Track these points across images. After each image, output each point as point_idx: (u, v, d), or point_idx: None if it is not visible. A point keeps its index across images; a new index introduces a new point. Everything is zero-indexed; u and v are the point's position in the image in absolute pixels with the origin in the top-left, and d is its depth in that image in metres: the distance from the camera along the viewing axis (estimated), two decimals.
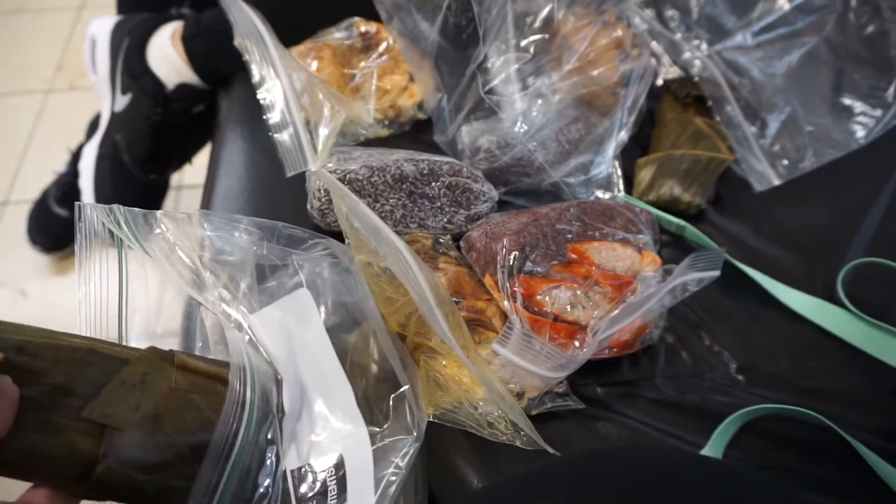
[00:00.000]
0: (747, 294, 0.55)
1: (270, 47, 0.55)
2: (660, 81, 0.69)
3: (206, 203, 0.61)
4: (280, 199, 0.59)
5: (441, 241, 0.54)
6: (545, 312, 0.47)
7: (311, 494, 0.36)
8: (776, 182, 0.60)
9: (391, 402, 0.40)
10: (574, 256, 0.50)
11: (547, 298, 0.47)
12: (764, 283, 0.54)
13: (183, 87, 0.75)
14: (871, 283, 0.54)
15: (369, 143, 0.62)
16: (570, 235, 0.51)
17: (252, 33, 0.55)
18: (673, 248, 0.58)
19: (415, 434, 0.39)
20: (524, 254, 0.49)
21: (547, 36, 0.60)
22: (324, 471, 0.37)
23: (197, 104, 0.78)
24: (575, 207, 0.52)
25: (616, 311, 0.46)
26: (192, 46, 0.74)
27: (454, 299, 0.48)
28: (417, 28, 0.58)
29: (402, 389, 0.41)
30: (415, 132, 0.64)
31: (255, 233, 0.45)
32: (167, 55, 0.75)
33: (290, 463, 0.37)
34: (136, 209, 0.41)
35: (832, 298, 0.53)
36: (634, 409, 0.49)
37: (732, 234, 0.58)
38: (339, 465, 0.37)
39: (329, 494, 0.36)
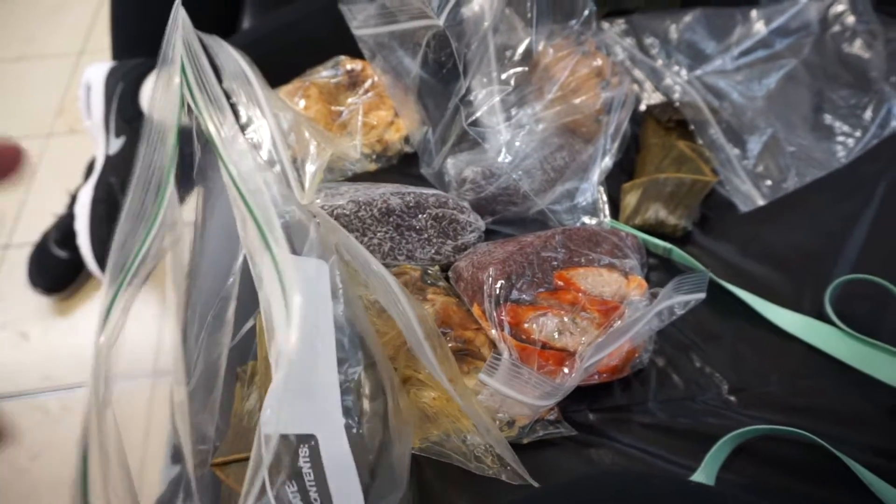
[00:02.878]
0: (737, 314, 0.55)
1: (257, 88, 0.56)
2: (643, 107, 0.70)
3: (198, 242, 0.61)
4: None
5: (429, 272, 0.54)
6: (533, 340, 0.47)
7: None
8: (760, 202, 0.60)
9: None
10: (560, 283, 0.50)
11: (534, 326, 0.47)
12: (753, 302, 0.54)
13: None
14: (859, 299, 0.54)
15: (357, 177, 0.63)
16: (555, 262, 0.51)
17: (238, 75, 0.56)
18: (661, 271, 0.58)
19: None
20: (510, 282, 0.49)
21: (527, 68, 0.62)
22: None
23: (190, 146, 0.79)
24: (560, 234, 0.53)
25: (603, 337, 0.47)
26: None
27: (442, 330, 0.49)
28: (400, 64, 0.59)
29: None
30: (403, 165, 0.65)
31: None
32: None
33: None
34: None
35: (821, 316, 0.54)
36: (627, 434, 0.49)
37: (719, 254, 0.59)
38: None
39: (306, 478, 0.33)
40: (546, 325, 0.47)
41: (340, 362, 0.33)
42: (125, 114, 0.78)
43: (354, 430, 0.32)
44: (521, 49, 0.63)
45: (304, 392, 0.29)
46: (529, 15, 0.63)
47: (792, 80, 0.68)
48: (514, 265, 0.50)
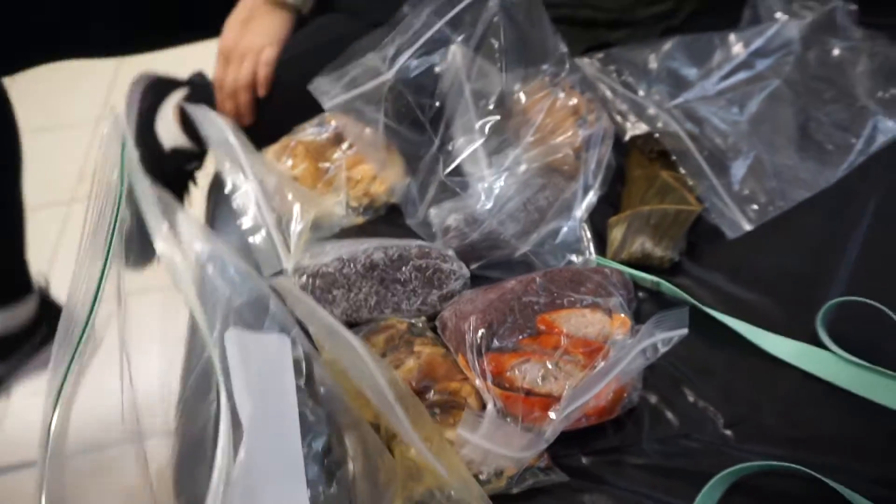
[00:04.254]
0: (729, 344, 0.54)
1: (240, 155, 0.58)
2: (628, 138, 0.70)
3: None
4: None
5: (416, 323, 0.55)
6: (517, 387, 0.47)
7: None
8: (747, 227, 0.60)
9: None
10: (542, 327, 0.50)
11: (517, 373, 0.47)
12: (744, 331, 0.54)
13: (176, 151, 0.80)
14: (853, 322, 0.53)
15: (345, 232, 0.64)
16: (537, 306, 0.51)
17: (222, 143, 0.59)
18: (651, 304, 0.58)
19: None
20: (491, 330, 0.49)
21: (504, 113, 0.63)
22: None
23: (190, 163, 0.83)
24: (541, 278, 0.53)
25: (586, 379, 0.46)
26: (185, 113, 0.77)
27: (426, 384, 0.49)
28: (370, 121, 0.61)
29: None
30: (390, 216, 0.66)
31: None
32: (167, 119, 0.81)
33: None
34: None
35: (815, 341, 0.53)
36: (621, 477, 0.48)
37: (709, 283, 0.58)
38: None
39: None
40: (529, 372, 0.47)
41: (304, 434, 0.33)
42: (140, 127, 0.81)
43: (321, 500, 0.32)
44: (495, 95, 0.64)
45: (262, 478, 0.30)
46: (500, 61, 0.64)
47: (775, 100, 0.68)
48: (495, 313, 0.50)
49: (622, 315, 0.51)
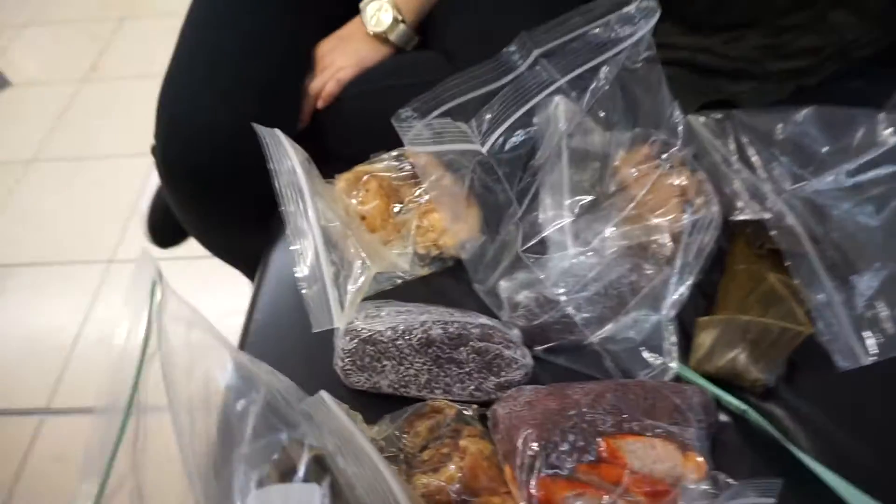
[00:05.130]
0: (821, 499, 0.47)
1: (306, 196, 0.55)
2: (735, 219, 0.62)
3: (244, 332, 0.61)
4: (315, 346, 0.57)
5: (466, 413, 0.50)
6: None
7: None
8: (865, 361, 0.51)
9: None
10: (605, 454, 0.45)
11: None
12: (841, 490, 0.46)
13: None
14: None
15: (407, 284, 0.60)
16: (602, 428, 0.46)
17: (291, 181, 0.55)
18: (734, 432, 0.51)
19: None
20: (546, 450, 0.44)
21: (597, 188, 0.56)
22: None
23: None
24: (612, 393, 0.47)
25: None
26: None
27: (465, 497, 0.45)
28: (451, 182, 0.56)
29: None
30: (458, 272, 0.61)
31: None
32: None
33: None
34: None
35: None
36: None
37: (807, 420, 0.51)
38: None
39: None
40: None
41: None
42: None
43: None
44: (595, 161, 0.57)
45: None
46: (607, 120, 0.57)
47: None
48: (554, 428, 0.45)
49: (697, 455, 0.45)
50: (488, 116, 0.52)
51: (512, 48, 0.57)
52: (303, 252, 0.53)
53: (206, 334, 0.39)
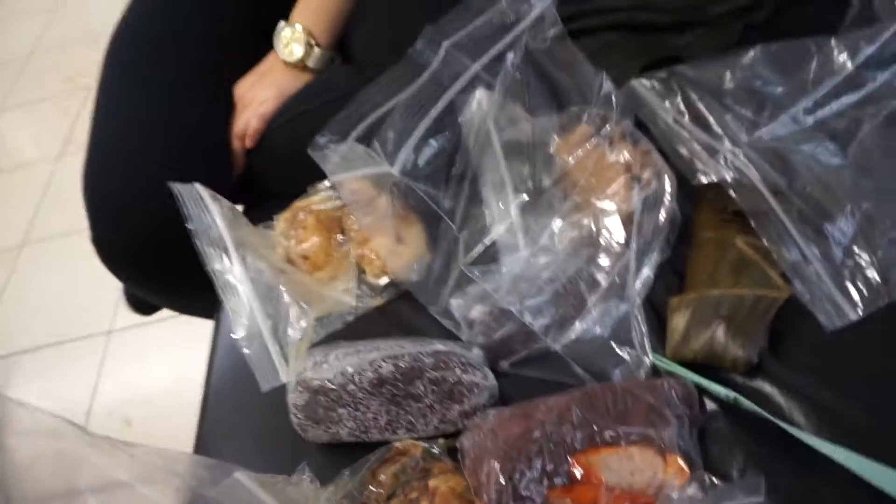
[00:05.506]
0: (827, 475, 0.42)
1: (231, 251, 0.52)
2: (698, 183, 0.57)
3: (204, 399, 0.58)
4: (275, 404, 0.54)
5: (432, 448, 0.47)
6: None
7: None
8: (853, 316, 0.47)
9: None
10: (578, 473, 0.41)
11: None
12: (846, 461, 0.42)
13: None
14: None
15: (361, 319, 0.57)
16: (572, 445, 0.42)
17: (213, 238, 0.52)
18: (723, 421, 0.47)
19: None
20: (513, 482, 0.41)
21: (537, 180, 0.52)
22: None
23: None
24: (578, 405, 0.43)
25: None
26: None
27: None
28: (378, 209, 0.52)
29: None
30: (412, 296, 0.57)
31: None
32: None
33: None
34: None
35: None
36: None
37: (798, 390, 0.46)
38: None
39: None
40: None
41: None
42: None
43: None
44: (531, 150, 0.53)
45: None
46: (528, 105, 0.54)
47: (894, 130, 0.53)
48: (519, 456, 0.41)
49: (678, 458, 0.41)
50: (390, 134, 0.48)
51: (419, 45, 0.54)
52: (236, 310, 0.51)
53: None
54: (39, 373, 1.39)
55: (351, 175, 0.51)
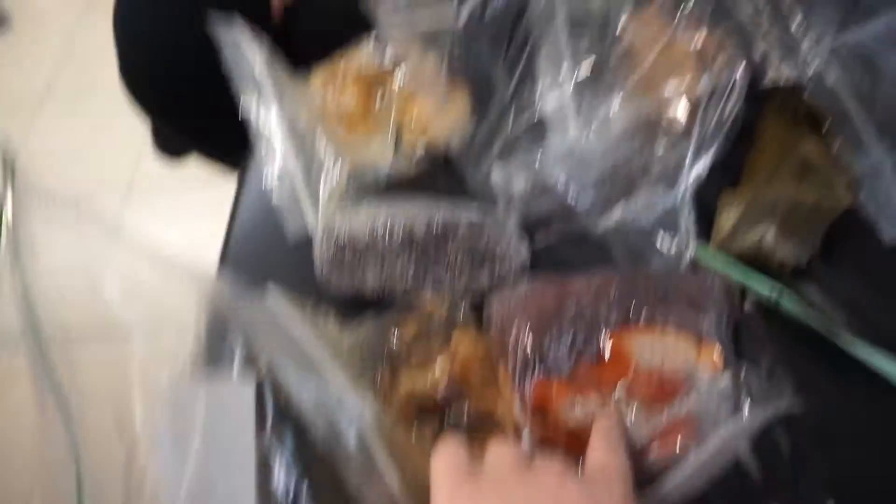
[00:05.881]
0: (862, 383, 0.41)
1: (270, 95, 0.49)
2: (766, 86, 0.53)
3: (224, 249, 0.57)
4: (299, 257, 0.53)
5: (459, 310, 0.46)
6: (563, 427, 0.38)
7: None
8: None
9: None
10: (609, 352, 0.40)
11: (565, 414, 0.38)
12: (884, 367, 0.40)
13: None
14: None
15: (394, 185, 0.54)
16: (607, 323, 0.41)
17: (252, 82, 0.49)
18: (756, 321, 0.45)
19: None
20: (542, 350, 0.39)
21: (600, 56, 0.49)
22: None
23: None
24: (618, 284, 0.42)
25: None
26: None
27: (452, 401, 0.41)
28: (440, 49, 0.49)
29: None
30: (451, 167, 0.55)
31: None
32: None
33: None
34: None
35: None
36: None
37: (844, 298, 0.44)
38: None
39: None
40: (579, 416, 0.38)
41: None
42: None
43: None
44: (595, 23, 0.49)
45: None
46: None
47: None
48: (551, 325, 0.40)
49: (713, 348, 0.39)
50: None
51: None
52: (270, 155, 0.48)
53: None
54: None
55: (408, 28, 0.47)
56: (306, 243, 0.49)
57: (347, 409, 0.31)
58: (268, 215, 0.57)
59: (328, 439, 0.30)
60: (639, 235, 0.48)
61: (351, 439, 0.30)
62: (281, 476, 0.30)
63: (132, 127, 1.43)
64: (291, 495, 0.30)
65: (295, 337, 0.33)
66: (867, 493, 0.39)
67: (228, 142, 0.66)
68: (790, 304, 0.43)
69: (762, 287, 0.44)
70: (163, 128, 0.68)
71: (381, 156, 0.52)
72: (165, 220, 1.33)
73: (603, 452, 0.34)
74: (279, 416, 0.31)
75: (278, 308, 0.35)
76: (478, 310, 0.46)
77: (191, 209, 1.29)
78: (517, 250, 0.46)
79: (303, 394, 0.31)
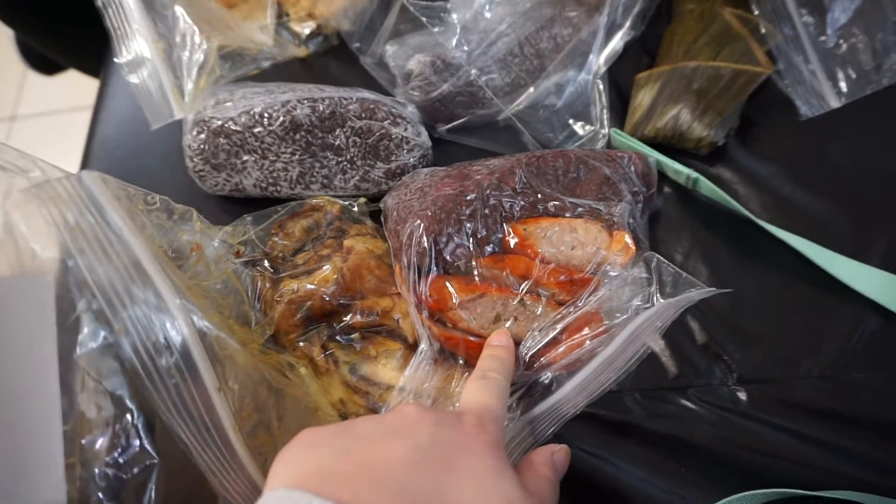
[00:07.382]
0: (769, 266, 0.40)
1: None
2: None
3: (87, 147, 0.50)
4: (163, 151, 0.47)
5: (352, 206, 0.41)
6: (464, 329, 0.35)
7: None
8: (834, 104, 0.42)
9: None
10: (513, 241, 0.36)
11: (465, 314, 0.35)
12: (805, 250, 0.39)
13: None
14: None
15: (279, 69, 0.48)
16: (510, 212, 0.37)
17: None
18: (676, 205, 0.43)
19: None
20: (439, 245, 0.36)
21: None
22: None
23: None
24: (524, 168, 0.38)
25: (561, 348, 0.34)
26: None
27: (344, 300, 0.37)
28: None
29: None
30: (346, 49, 0.49)
31: None
32: None
33: None
34: None
35: None
36: (590, 438, 0.37)
37: (760, 179, 0.42)
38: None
39: None
40: (482, 315, 0.35)
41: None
42: None
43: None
44: None
45: None
46: None
47: None
48: (449, 218, 0.36)
49: (625, 234, 0.37)
50: None
51: None
52: (119, 28, 0.41)
53: None
54: None
55: None
56: (176, 134, 0.43)
57: (169, 316, 0.26)
58: (132, 107, 0.49)
59: (141, 354, 0.25)
60: (549, 119, 0.44)
61: (171, 356, 0.25)
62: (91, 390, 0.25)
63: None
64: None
65: (113, 227, 0.28)
66: (778, 380, 0.38)
67: (91, 44, 0.58)
68: (706, 187, 0.41)
69: (678, 170, 0.42)
70: (25, 37, 0.60)
71: (259, 35, 0.45)
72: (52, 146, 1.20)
73: (476, 389, 0.30)
74: (92, 319, 0.26)
75: (96, 192, 0.29)
76: (374, 210, 0.42)
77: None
78: (417, 133, 0.41)
79: (112, 293, 0.26)
